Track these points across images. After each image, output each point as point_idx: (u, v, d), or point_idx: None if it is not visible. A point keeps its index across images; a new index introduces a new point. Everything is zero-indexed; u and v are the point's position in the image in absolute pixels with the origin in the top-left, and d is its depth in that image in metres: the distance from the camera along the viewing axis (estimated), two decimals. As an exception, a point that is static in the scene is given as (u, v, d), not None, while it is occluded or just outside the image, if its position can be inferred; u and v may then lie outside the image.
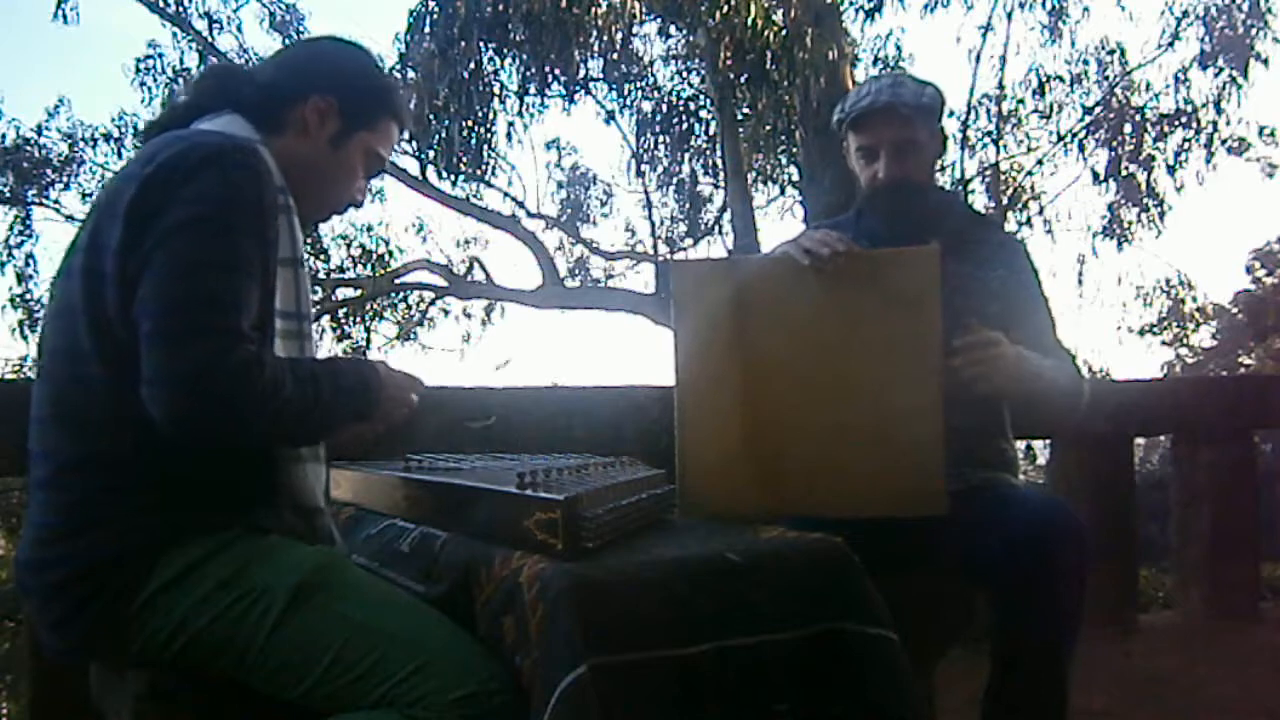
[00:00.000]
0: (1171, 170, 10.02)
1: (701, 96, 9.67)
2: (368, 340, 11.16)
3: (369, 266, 10.90)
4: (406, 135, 1.42)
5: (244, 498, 1.17)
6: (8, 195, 9.87)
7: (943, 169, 8.93)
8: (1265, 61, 9.31)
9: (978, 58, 9.58)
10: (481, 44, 8.04)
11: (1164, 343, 14.06)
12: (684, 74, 9.91)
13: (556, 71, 8.43)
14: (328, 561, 1.17)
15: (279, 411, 1.09)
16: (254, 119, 1.26)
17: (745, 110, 8.64)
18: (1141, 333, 12.91)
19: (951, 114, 9.46)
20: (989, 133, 10.13)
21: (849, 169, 1.85)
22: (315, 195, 1.32)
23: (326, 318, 10.90)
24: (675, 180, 11.06)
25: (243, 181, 1.12)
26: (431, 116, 8.18)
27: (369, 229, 10.90)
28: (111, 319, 1.10)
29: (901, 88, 1.72)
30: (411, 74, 8.31)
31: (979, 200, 10.13)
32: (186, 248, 1.07)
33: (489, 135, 8.79)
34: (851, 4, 8.20)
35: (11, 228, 9.79)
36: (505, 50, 8.28)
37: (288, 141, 1.27)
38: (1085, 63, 10.09)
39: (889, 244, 1.65)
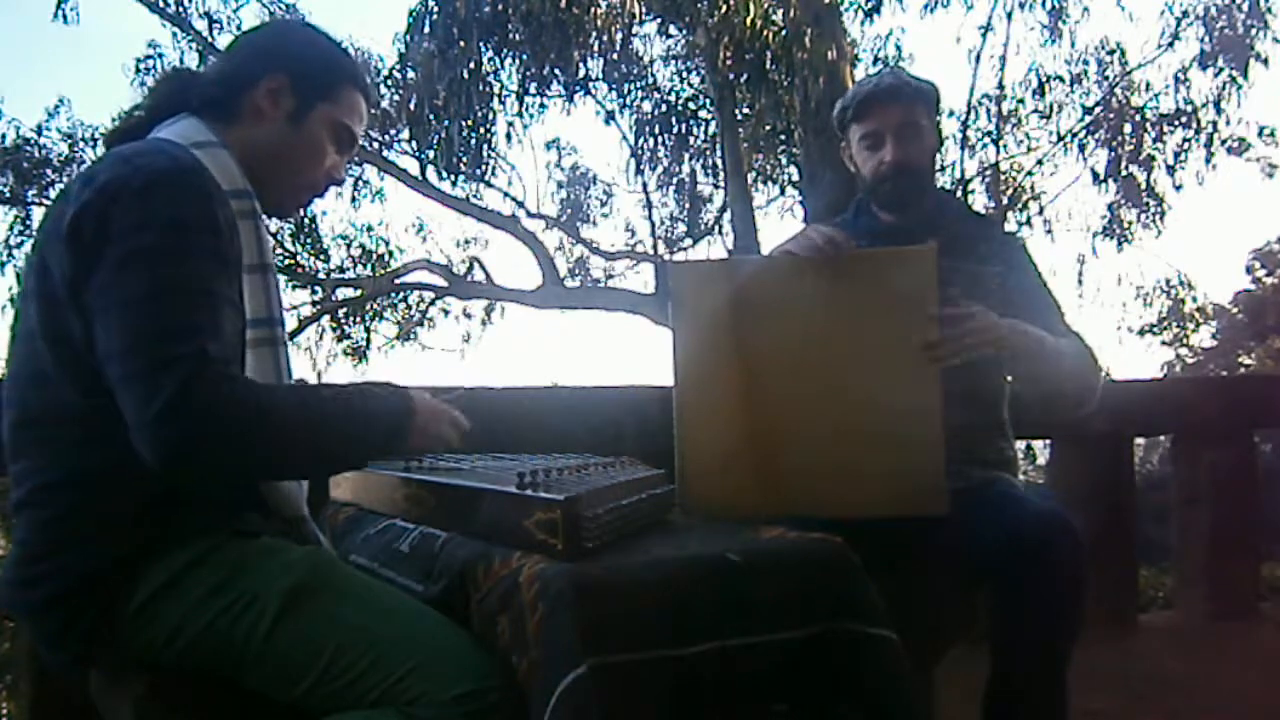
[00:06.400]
0: (1171, 170, 10.05)
1: (701, 96, 9.68)
2: (368, 340, 11.19)
3: (369, 266, 10.92)
4: (372, 103, 1.36)
5: (228, 504, 1.16)
6: (8, 195, 9.88)
7: (942, 169, 8.94)
8: (1265, 61, 9.34)
9: (978, 58, 9.61)
10: (481, 44, 8.05)
11: (1164, 343, 14.07)
12: (684, 74, 9.94)
13: (556, 71, 8.45)
14: (320, 563, 1.17)
15: (273, 434, 1.04)
16: (210, 118, 1.23)
17: (745, 110, 8.65)
18: (1141, 333, 12.92)
19: (951, 114, 9.48)
20: (989, 133, 10.14)
21: (848, 169, 1.85)
22: (286, 178, 1.28)
23: (326, 318, 10.91)
24: (675, 180, 11.08)
25: (190, 204, 1.07)
26: (431, 116, 8.19)
27: (369, 229, 10.94)
28: (76, 344, 1.07)
29: (901, 75, 1.81)
30: (411, 74, 8.32)
31: (979, 200, 10.14)
32: (137, 282, 1.03)
33: (489, 135, 8.81)
34: (851, 4, 8.22)
35: (11, 228, 9.83)
36: (505, 50, 8.30)
37: (246, 129, 1.24)
38: (1085, 63, 10.11)
39: (887, 242, 1.65)
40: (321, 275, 10.72)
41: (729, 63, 7.44)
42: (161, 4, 9.46)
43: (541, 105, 9.28)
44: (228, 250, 1.11)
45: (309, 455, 1.12)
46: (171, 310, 1.02)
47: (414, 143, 8.77)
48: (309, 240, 10.46)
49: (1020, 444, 1.97)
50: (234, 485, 1.18)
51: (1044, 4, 9.66)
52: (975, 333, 1.46)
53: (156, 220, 1.05)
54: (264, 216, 1.24)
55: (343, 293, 10.82)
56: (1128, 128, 10.02)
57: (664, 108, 9.76)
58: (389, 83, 8.88)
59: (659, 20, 8.82)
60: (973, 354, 1.46)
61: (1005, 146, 10.36)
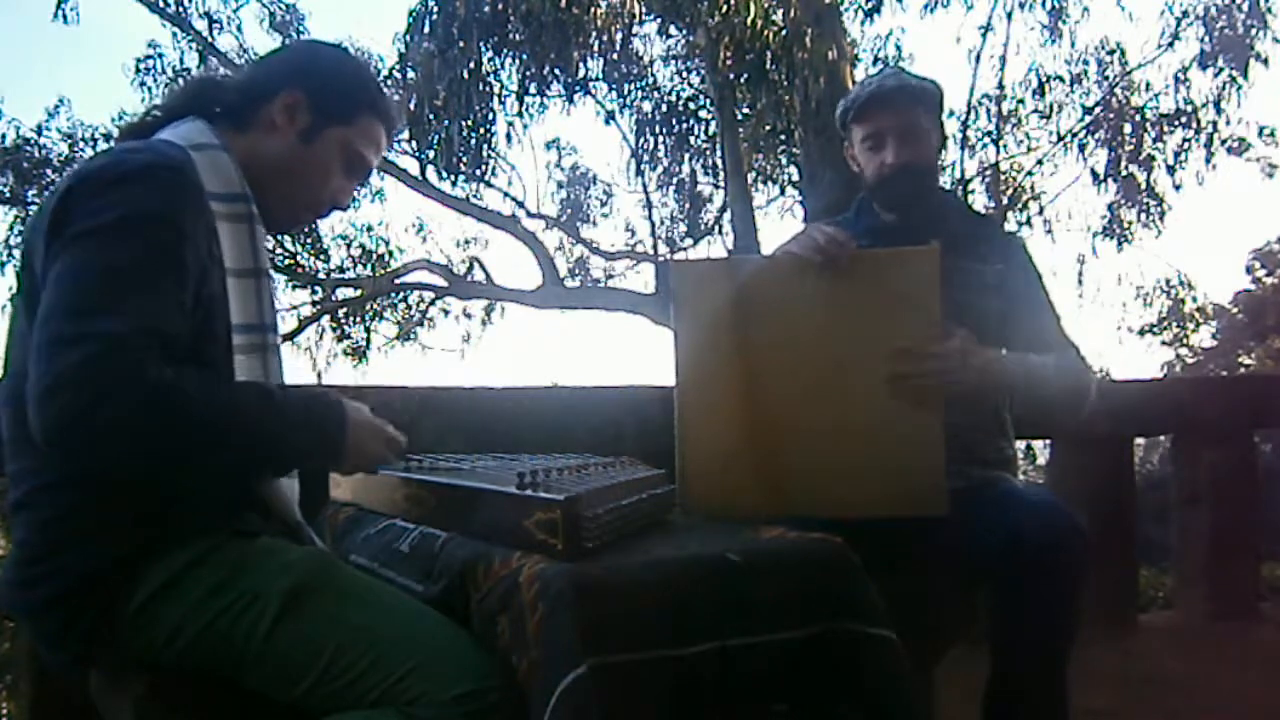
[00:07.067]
0: (1171, 170, 10.05)
1: (701, 96, 9.68)
2: (368, 340, 11.19)
3: (369, 266, 10.92)
4: (394, 136, 1.35)
5: (227, 504, 1.16)
6: (8, 195, 9.87)
7: (943, 169, 8.92)
8: (1265, 61, 9.33)
9: (978, 58, 9.61)
10: (481, 44, 8.05)
11: (1164, 343, 14.06)
12: (684, 74, 9.93)
13: (556, 71, 8.45)
14: (320, 563, 1.17)
15: (182, 429, 1.00)
16: (221, 123, 1.23)
17: (745, 110, 8.65)
18: (1141, 333, 12.92)
19: (952, 114, 9.48)
20: (989, 133, 10.14)
21: (850, 169, 1.85)
22: (288, 193, 1.27)
23: (326, 318, 10.91)
24: (675, 180, 11.08)
25: (159, 198, 1.06)
26: (431, 116, 8.19)
27: (369, 229, 10.94)
28: None
29: (902, 76, 1.79)
30: (411, 74, 8.32)
31: (979, 200, 10.14)
32: (80, 259, 1.01)
33: (489, 135, 8.80)
34: (851, 4, 8.22)
35: (11, 228, 9.80)
36: (505, 50, 8.29)
37: (254, 139, 1.24)
38: (1085, 63, 10.12)
39: (889, 241, 1.65)
40: (321, 275, 10.72)
41: (729, 63, 7.43)
42: (161, 4, 9.47)
43: (541, 105, 9.28)
44: (187, 252, 1.08)
45: (227, 456, 1.09)
46: (103, 288, 1.00)
47: (414, 143, 8.76)
48: (309, 240, 10.46)
49: (1020, 444, 1.97)
50: (231, 485, 1.17)
51: (1044, 4, 9.66)
52: (937, 374, 1.43)
53: (118, 207, 1.04)
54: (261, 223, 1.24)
55: (343, 293, 10.82)
56: (1128, 128, 10.02)
57: (664, 108, 9.75)
58: (389, 83, 8.88)
59: (659, 20, 8.81)
60: (939, 391, 1.44)
61: (1005, 146, 10.38)
